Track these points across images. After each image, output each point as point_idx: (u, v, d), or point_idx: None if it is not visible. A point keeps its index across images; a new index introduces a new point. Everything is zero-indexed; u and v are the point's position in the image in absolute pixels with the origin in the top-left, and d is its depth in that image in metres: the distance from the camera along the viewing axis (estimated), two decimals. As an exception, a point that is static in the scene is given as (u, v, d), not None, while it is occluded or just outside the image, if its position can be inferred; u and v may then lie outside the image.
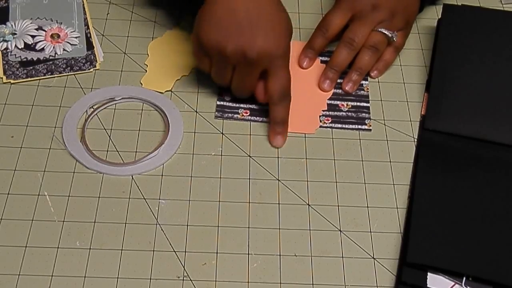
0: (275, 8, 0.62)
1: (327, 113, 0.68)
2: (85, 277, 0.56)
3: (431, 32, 0.78)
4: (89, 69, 0.71)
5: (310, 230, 0.60)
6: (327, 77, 0.70)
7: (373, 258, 0.58)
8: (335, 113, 0.68)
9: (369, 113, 0.69)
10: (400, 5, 0.71)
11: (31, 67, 0.70)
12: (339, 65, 0.70)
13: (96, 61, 0.72)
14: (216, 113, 0.68)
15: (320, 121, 0.68)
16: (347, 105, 0.69)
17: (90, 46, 0.73)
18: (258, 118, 0.67)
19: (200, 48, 0.63)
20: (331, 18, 0.71)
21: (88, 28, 0.75)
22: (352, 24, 0.70)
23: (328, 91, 0.70)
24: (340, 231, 0.60)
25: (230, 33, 0.60)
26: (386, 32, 0.70)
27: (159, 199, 0.61)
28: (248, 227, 0.59)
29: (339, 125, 0.67)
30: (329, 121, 0.68)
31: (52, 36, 0.73)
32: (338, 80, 0.71)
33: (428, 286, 0.55)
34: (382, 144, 0.67)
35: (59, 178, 0.62)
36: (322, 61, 0.73)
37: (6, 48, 0.72)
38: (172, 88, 0.70)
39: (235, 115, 0.68)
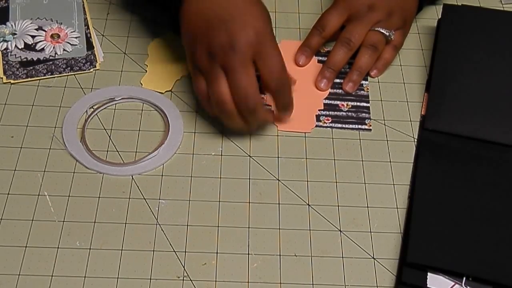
0: (249, 0, 0.61)
1: (327, 113, 0.68)
2: (85, 277, 0.56)
3: (431, 32, 0.78)
4: (89, 69, 0.71)
5: (310, 230, 0.60)
6: (324, 76, 0.70)
7: (373, 258, 0.58)
8: (335, 113, 0.68)
9: (369, 113, 0.69)
10: (396, 5, 0.71)
11: (31, 67, 0.70)
12: (336, 65, 0.70)
13: (96, 61, 0.72)
14: None
15: (320, 120, 0.68)
16: (347, 105, 0.69)
17: (90, 46, 0.73)
18: None
19: (195, 68, 0.62)
20: (328, 17, 0.71)
21: (88, 28, 0.75)
22: (349, 24, 0.71)
23: (324, 90, 0.70)
24: (340, 231, 0.60)
25: (209, 37, 0.59)
26: (383, 31, 0.70)
27: (159, 199, 0.61)
28: (248, 227, 0.59)
29: (339, 125, 0.67)
30: (329, 121, 0.68)
31: (52, 36, 0.73)
32: (338, 80, 0.71)
33: (428, 286, 0.55)
34: (382, 144, 0.67)
35: (59, 178, 0.62)
36: (319, 61, 0.73)
37: (6, 48, 0.72)
38: (172, 88, 0.70)
39: None
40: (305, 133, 0.67)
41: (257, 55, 0.59)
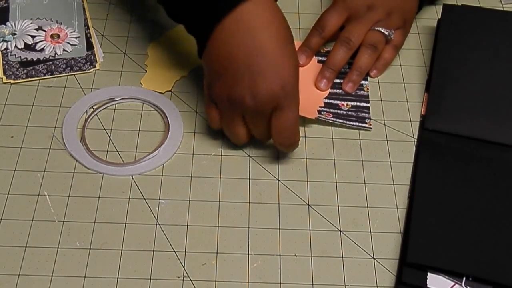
0: (278, 45, 0.57)
1: (328, 110, 0.68)
2: (85, 277, 0.56)
3: (431, 32, 0.78)
4: (89, 69, 0.71)
5: (310, 230, 0.60)
6: (324, 76, 0.70)
7: (373, 258, 0.58)
8: (336, 110, 0.68)
9: (369, 113, 0.69)
10: (396, 4, 0.71)
11: (31, 67, 0.70)
12: (336, 65, 0.70)
13: (96, 61, 0.72)
14: None
15: (321, 113, 0.67)
16: (347, 105, 0.69)
17: (90, 46, 0.73)
18: None
19: (210, 97, 0.61)
20: (327, 17, 0.71)
21: (88, 28, 0.75)
22: (348, 24, 0.70)
23: (324, 90, 0.70)
24: (340, 231, 0.60)
25: (231, 81, 0.57)
26: (382, 30, 0.70)
27: (159, 199, 0.61)
28: (248, 227, 0.59)
29: (340, 121, 0.67)
30: (330, 116, 0.67)
31: (52, 36, 0.73)
32: (338, 80, 0.71)
33: (428, 286, 0.55)
34: (382, 144, 0.67)
35: (59, 178, 0.62)
36: (319, 61, 0.73)
37: (6, 48, 0.72)
38: (172, 89, 0.70)
39: None
40: (305, 132, 0.67)
41: (275, 107, 0.58)
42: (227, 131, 0.63)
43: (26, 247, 0.57)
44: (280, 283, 0.56)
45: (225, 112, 0.60)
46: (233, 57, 0.57)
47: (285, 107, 0.58)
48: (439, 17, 0.78)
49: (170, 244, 0.58)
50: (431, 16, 0.80)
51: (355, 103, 0.69)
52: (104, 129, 0.66)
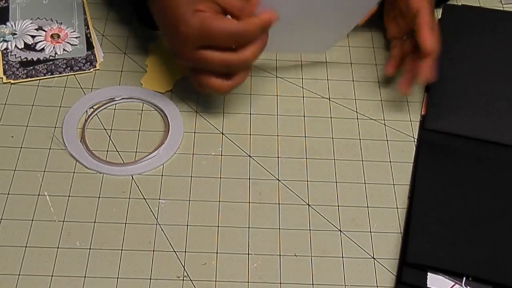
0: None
1: None
2: (85, 277, 0.56)
3: (431, 32, 0.78)
4: (89, 69, 0.71)
5: (310, 230, 0.60)
6: (429, 68, 0.64)
7: (373, 258, 0.58)
8: None
9: None
10: None
11: (31, 67, 0.70)
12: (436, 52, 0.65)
13: (96, 61, 0.72)
14: None
15: None
16: None
17: (90, 46, 0.73)
18: None
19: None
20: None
21: (88, 28, 0.75)
22: (422, 8, 0.65)
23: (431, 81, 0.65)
24: (340, 231, 0.60)
25: (166, 37, 0.62)
26: None
27: (159, 199, 0.61)
28: (248, 227, 0.59)
29: None
30: None
31: (52, 36, 0.73)
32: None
33: (428, 286, 0.55)
34: (382, 144, 0.67)
35: (59, 178, 0.62)
36: None
37: (6, 48, 0.72)
38: (172, 88, 0.70)
39: None
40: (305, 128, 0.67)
41: (206, 42, 0.57)
42: (200, 85, 0.63)
43: (26, 247, 0.57)
44: (280, 283, 0.56)
45: (183, 66, 0.65)
46: (160, 13, 0.61)
47: (212, 37, 0.57)
48: (439, 17, 0.78)
49: (170, 244, 0.58)
50: (431, 16, 0.79)
51: None
52: (104, 129, 0.66)
